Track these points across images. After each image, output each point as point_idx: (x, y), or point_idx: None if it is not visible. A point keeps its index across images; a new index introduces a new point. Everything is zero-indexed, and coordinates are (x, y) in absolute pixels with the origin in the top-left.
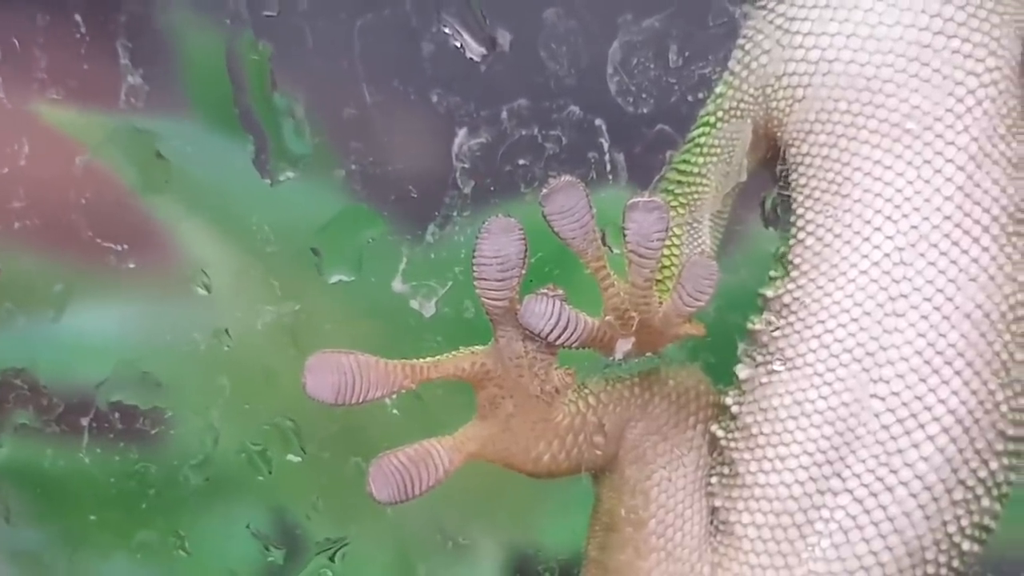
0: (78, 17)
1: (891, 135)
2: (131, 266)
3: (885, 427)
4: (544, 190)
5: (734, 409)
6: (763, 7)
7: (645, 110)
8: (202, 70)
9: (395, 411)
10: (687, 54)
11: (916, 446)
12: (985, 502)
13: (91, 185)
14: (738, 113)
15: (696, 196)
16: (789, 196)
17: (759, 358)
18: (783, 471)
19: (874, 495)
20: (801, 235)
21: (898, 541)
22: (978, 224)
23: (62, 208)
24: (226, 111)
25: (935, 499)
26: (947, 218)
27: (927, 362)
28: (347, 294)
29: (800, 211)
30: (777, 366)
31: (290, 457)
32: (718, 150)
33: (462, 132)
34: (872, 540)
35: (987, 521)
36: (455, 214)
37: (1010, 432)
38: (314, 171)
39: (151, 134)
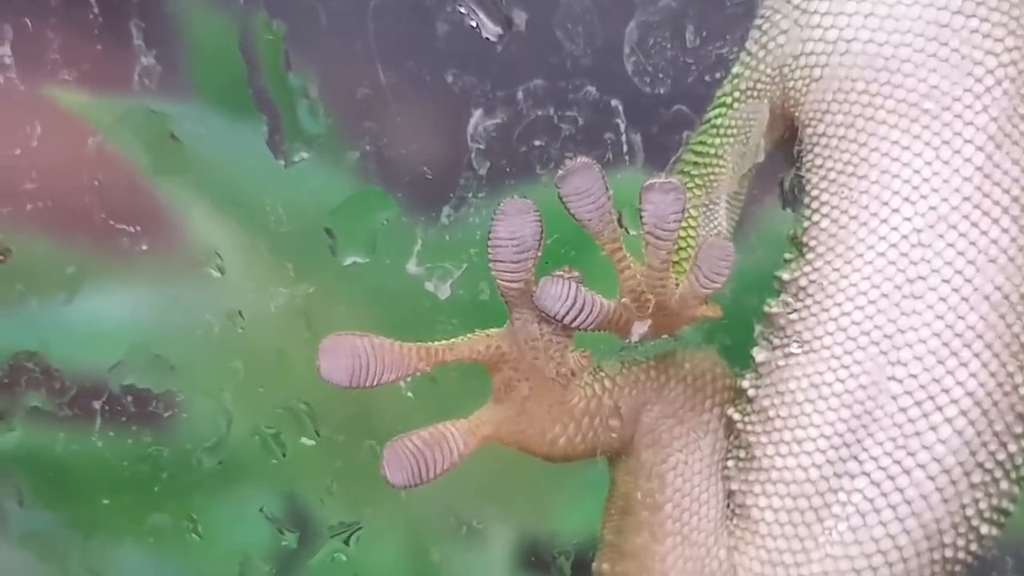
0: None
1: (909, 115)
2: (144, 248)
3: (903, 409)
4: (560, 171)
5: (751, 392)
6: None
7: (662, 90)
8: (216, 51)
9: (410, 394)
10: (704, 34)
11: (934, 428)
12: (1004, 485)
13: (104, 167)
14: (755, 93)
15: (713, 177)
16: (805, 177)
17: (776, 341)
18: (800, 454)
19: (892, 478)
20: (817, 217)
21: (916, 524)
22: (997, 205)
23: (74, 190)
24: (239, 92)
25: (953, 482)
26: (966, 199)
27: (945, 344)
28: (361, 276)
29: (816, 192)
30: (794, 348)
31: (304, 440)
32: (735, 131)
33: (477, 113)
34: (890, 523)
35: (1005, 504)
36: (470, 195)
37: None
38: (328, 152)
39: (164, 115)
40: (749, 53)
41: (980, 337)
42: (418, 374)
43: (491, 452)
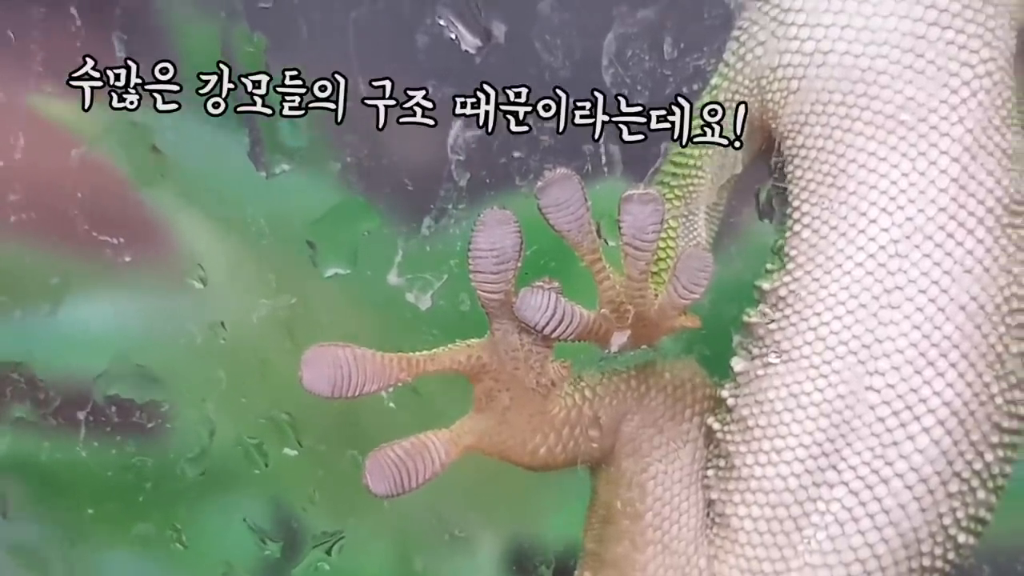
0: (74, 10)
1: (886, 127)
2: (127, 259)
3: (880, 419)
4: (539, 183)
5: (730, 402)
6: None
7: (640, 102)
8: (198, 63)
9: (391, 404)
10: (682, 46)
11: (911, 438)
12: (980, 494)
13: (87, 178)
14: (733, 105)
15: (692, 188)
16: (784, 188)
17: (755, 350)
18: (779, 463)
19: (870, 487)
20: (796, 227)
21: (894, 533)
22: (973, 216)
23: (58, 201)
24: None
25: (931, 491)
26: (942, 210)
27: (922, 354)
28: (343, 287)
29: (795, 203)
30: (773, 358)
31: (286, 450)
32: None
33: (457, 124)
34: (868, 532)
35: (982, 513)
36: (451, 207)
37: (1005, 424)
38: (309, 164)
39: (147, 127)
40: (727, 65)
41: (956, 347)
42: (400, 384)
43: (473, 461)
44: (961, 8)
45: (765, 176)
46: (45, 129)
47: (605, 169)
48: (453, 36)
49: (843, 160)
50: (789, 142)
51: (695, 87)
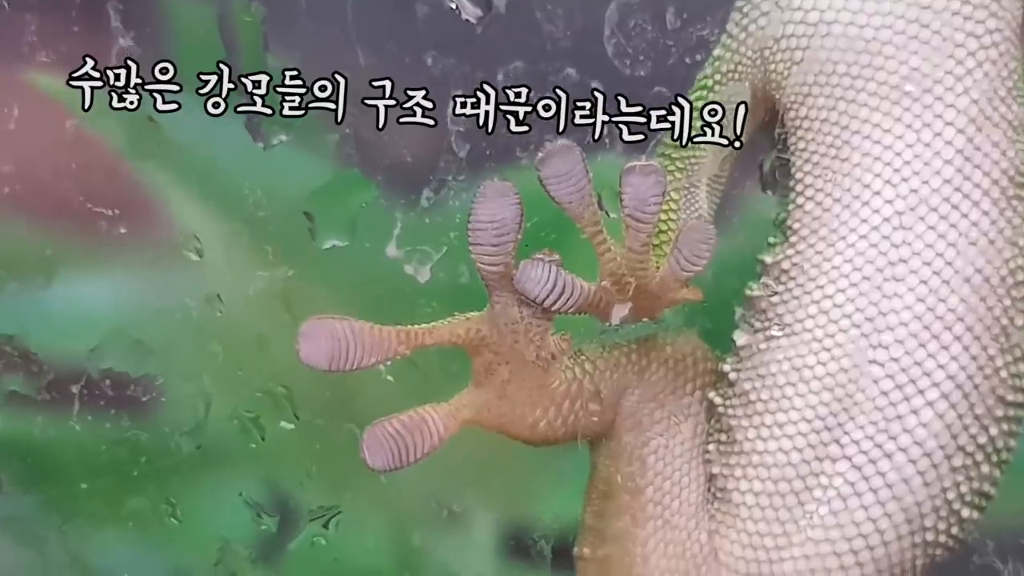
0: None
1: (890, 97)
2: (122, 232)
3: (884, 393)
4: (540, 154)
5: (732, 376)
6: None
7: (642, 72)
8: (194, 32)
9: (389, 377)
10: (685, 16)
11: (915, 412)
12: (985, 468)
13: (81, 150)
14: (736, 76)
15: (693, 160)
16: (787, 160)
17: (757, 324)
18: (781, 438)
19: (873, 462)
20: (800, 200)
21: (897, 508)
22: (978, 188)
23: (52, 173)
24: None
25: (934, 465)
26: (947, 182)
27: (926, 327)
28: (341, 260)
29: (799, 175)
30: (775, 332)
31: (283, 424)
32: None
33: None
34: (871, 507)
35: (987, 488)
36: (450, 179)
37: (1010, 398)
38: (307, 135)
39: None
40: (730, 35)
41: (961, 320)
42: (398, 357)
43: (472, 436)
44: None
45: (768, 148)
46: (39, 100)
47: (607, 141)
48: (453, 6)
49: (847, 132)
50: (792, 113)
51: (698, 57)
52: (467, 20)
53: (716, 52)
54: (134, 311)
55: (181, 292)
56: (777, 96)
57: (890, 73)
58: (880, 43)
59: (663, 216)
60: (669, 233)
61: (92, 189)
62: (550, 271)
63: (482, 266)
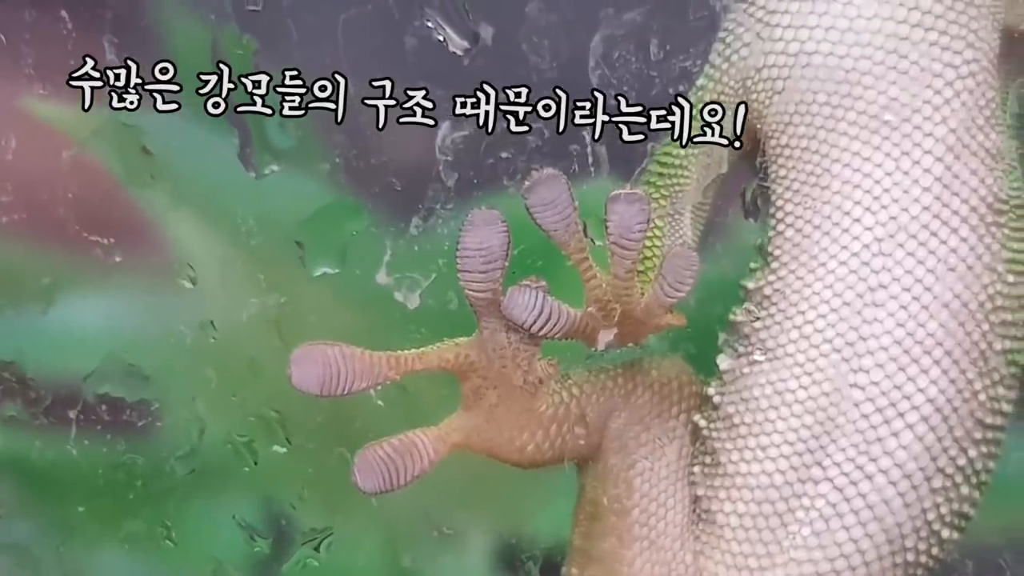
0: (64, 13)
1: (870, 127)
2: (118, 259)
3: (865, 416)
4: (527, 183)
5: (716, 399)
6: (743, 0)
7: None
8: (187, 65)
9: (380, 402)
10: (668, 47)
11: (896, 435)
12: (964, 490)
13: (78, 179)
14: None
15: (677, 188)
16: (769, 188)
17: (740, 348)
18: (764, 460)
19: (854, 483)
20: (781, 226)
21: (878, 529)
22: (956, 214)
23: (50, 202)
24: None
25: (914, 487)
26: (926, 208)
27: (906, 351)
28: (332, 286)
29: (780, 202)
30: (758, 356)
31: (276, 448)
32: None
33: (445, 125)
34: (852, 528)
35: (966, 509)
36: (439, 207)
37: (988, 420)
38: (298, 164)
39: (137, 128)
40: (713, 66)
41: (940, 344)
42: (388, 382)
43: (462, 458)
44: (944, 9)
45: (750, 176)
46: (36, 131)
47: (592, 169)
48: (441, 38)
49: (827, 160)
50: (774, 142)
51: (681, 88)
52: (454, 52)
53: (699, 82)
54: (130, 337)
55: (176, 319)
56: (759, 125)
57: (869, 103)
58: (859, 73)
59: (648, 243)
60: (654, 260)
61: (88, 217)
62: (537, 297)
63: (470, 293)
